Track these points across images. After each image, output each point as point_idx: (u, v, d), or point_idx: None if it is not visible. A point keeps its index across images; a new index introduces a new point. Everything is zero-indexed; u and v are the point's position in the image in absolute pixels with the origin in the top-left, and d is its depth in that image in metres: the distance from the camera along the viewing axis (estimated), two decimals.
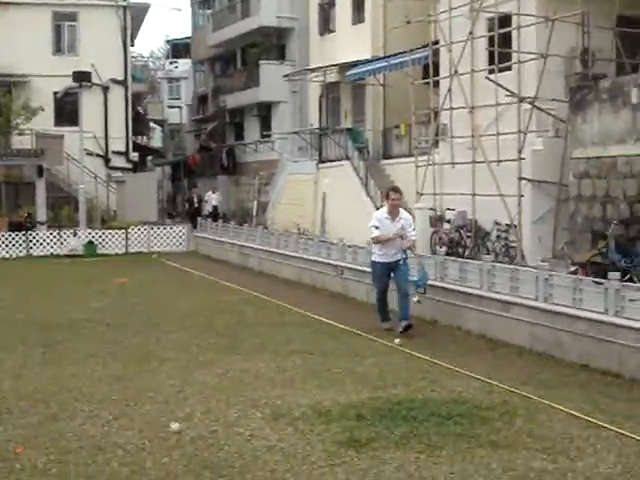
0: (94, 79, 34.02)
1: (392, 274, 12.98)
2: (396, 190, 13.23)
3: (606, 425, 7.74)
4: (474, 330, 12.82)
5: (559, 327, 11.13)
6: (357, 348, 11.71)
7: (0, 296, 17.85)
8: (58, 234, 28.73)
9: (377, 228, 12.84)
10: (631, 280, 14.20)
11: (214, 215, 33.95)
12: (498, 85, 19.68)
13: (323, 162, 29.43)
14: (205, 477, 6.38)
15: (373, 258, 13.30)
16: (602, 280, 11.12)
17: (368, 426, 7.62)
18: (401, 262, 12.79)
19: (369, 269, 16.58)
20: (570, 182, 18.20)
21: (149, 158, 48.34)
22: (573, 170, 18.09)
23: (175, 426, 7.54)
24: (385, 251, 12.87)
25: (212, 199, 36.00)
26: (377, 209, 18.63)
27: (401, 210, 13.06)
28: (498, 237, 20.12)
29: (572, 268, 15.53)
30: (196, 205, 36.60)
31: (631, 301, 10.38)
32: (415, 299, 12.87)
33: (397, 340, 11.97)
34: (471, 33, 20.99)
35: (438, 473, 6.44)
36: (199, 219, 32.22)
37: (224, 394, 8.87)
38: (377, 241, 12.91)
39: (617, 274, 10.85)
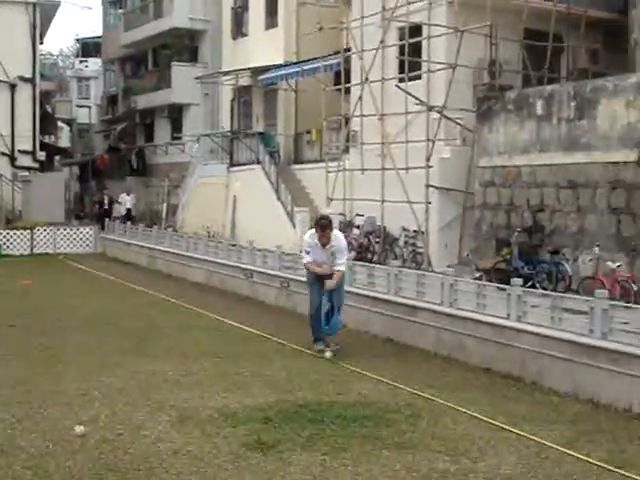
0: (1, 76, 33.24)
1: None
2: (323, 227, 11.43)
3: (508, 427, 7.96)
4: (382, 334, 12.99)
5: (463, 331, 11.37)
6: (265, 351, 11.74)
7: None
8: None
9: (308, 253, 11.66)
10: (533, 286, 14.61)
11: (127, 218, 33.41)
12: (408, 94, 19.97)
13: (234, 165, 29.35)
14: None
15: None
16: (505, 286, 11.40)
17: (275, 429, 7.68)
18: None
19: (279, 272, 16.72)
20: (476, 190, 18.60)
21: (57, 158, 47.36)
22: (479, 178, 18.50)
23: (79, 429, 7.45)
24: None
25: (126, 201, 35.42)
26: (303, 231, 18.53)
27: (335, 235, 11.64)
28: (406, 243, 20.42)
29: (477, 274, 15.89)
30: (106, 207, 35.89)
31: (533, 307, 10.68)
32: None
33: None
34: (382, 42, 21.27)
35: (344, 475, 6.52)
36: (107, 221, 31.82)
37: (130, 397, 8.79)
38: (307, 268, 11.81)
39: (520, 280, 11.13)
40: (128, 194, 35.90)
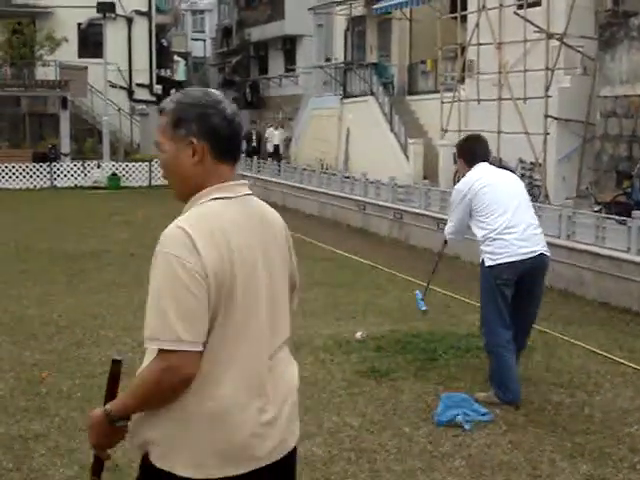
0: (118, 10, 33.77)
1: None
2: None
3: (624, 362, 7.80)
4: None
5: (581, 265, 11.14)
6: (378, 282, 11.79)
7: (25, 226, 18.03)
8: (82, 166, 28.87)
9: None
10: None
11: (275, 156, 29.94)
12: (527, 21, 19.36)
13: (347, 97, 29.21)
14: None
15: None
16: (626, 218, 11.08)
17: (388, 357, 7.72)
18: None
19: (392, 204, 16.61)
20: (597, 121, 18.01)
21: (173, 91, 48.14)
22: (600, 109, 17.88)
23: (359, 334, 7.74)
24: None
25: (274, 136, 32.01)
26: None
27: None
28: (522, 175, 19.94)
29: (596, 207, 15.47)
30: (254, 144, 32.54)
31: None
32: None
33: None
34: None
35: None
36: (255, 159, 28.18)
37: None
38: None
39: None
40: (276, 128, 32.45)
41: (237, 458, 2.54)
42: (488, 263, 6.43)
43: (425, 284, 8.51)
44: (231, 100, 2.73)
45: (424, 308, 8.08)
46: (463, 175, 6.81)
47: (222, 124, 2.60)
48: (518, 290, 6.52)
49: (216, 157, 2.61)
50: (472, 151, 6.85)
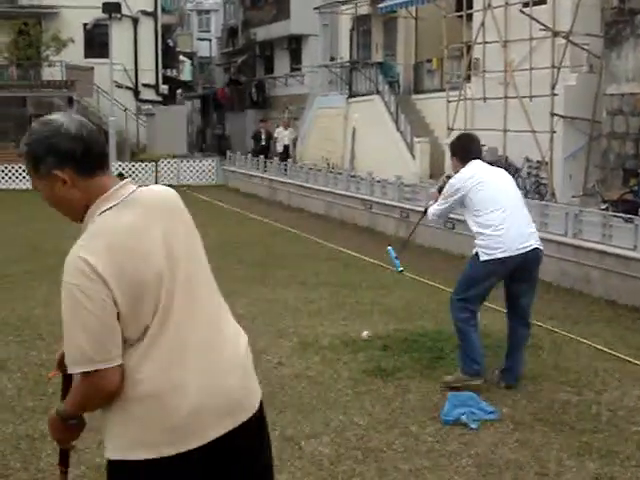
0: (124, 10, 33.79)
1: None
2: None
3: (632, 360, 7.78)
4: None
5: (588, 263, 11.12)
6: (384, 281, 11.77)
7: (31, 227, 18.04)
8: None
9: None
10: None
11: (285, 156, 28.61)
12: (532, 19, 19.32)
13: (353, 96, 29.20)
14: None
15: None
16: (632, 216, 11.06)
17: (394, 356, 7.72)
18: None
19: (398, 203, 16.62)
20: (603, 119, 17.96)
21: (179, 91, 48.20)
22: (607, 106, 17.83)
23: (365, 334, 7.72)
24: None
25: (284, 136, 30.06)
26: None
27: None
28: (529, 174, 19.96)
29: (603, 206, 15.43)
30: (263, 142, 30.64)
31: None
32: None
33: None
34: None
35: None
36: (262, 158, 27.16)
37: (252, 323, 8.98)
38: None
39: None
40: (286, 128, 30.58)
41: (185, 434, 2.66)
42: (483, 257, 6.63)
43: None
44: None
45: (400, 269, 8.16)
46: (457, 172, 6.96)
47: (73, 145, 2.67)
48: (513, 282, 6.86)
49: (85, 174, 2.70)
50: (465, 148, 7.05)
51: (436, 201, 7.20)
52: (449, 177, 7.32)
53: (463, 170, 6.84)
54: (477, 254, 6.70)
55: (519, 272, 6.73)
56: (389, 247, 8.46)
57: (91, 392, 2.66)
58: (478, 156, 7.00)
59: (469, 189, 6.70)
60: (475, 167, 6.84)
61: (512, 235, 6.57)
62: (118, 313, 2.59)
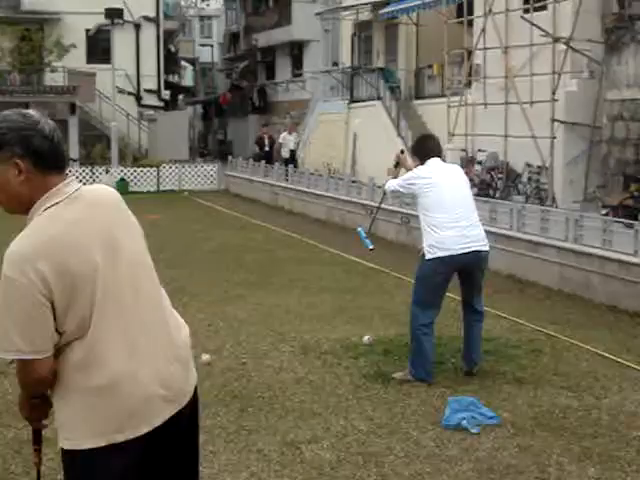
0: (126, 16, 33.84)
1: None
2: None
3: (633, 365, 7.79)
4: (503, 270, 12.83)
5: (588, 268, 11.13)
6: (386, 286, 11.80)
7: None
8: (90, 171, 28.92)
9: None
10: None
11: (291, 161, 27.89)
12: (533, 25, 19.37)
13: (354, 102, 29.24)
14: (234, 406, 6.53)
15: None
16: (633, 222, 11.08)
17: (395, 361, 7.74)
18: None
19: (399, 208, 16.65)
20: (603, 124, 18.00)
21: (180, 97, 48.28)
22: (607, 112, 17.87)
23: (205, 358, 7.68)
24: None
25: (289, 142, 29.47)
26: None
27: None
28: (529, 179, 20.00)
29: (603, 211, 15.45)
30: (267, 148, 30.43)
31: None
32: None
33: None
34: None
35: None
36: (263, 163, 26.92)
37: (254, 328, 9.01)
38: None
39: None
40: (290, 133, 30.05)
41: (137, 421, 2.81)
42: (427, 256, 7.00)
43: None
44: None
45: (371, 246, 8.24)
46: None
47: (43, 143, 2.79)
48: (461, 280, 7.31)
49: (42, 171, 2.80)
50: (423, 148, 7.40)
51: (394, 177, 7.56)
52: (402, 152, 7.80)
53: (421, 168, 7.24)
54: (423, 254, 7.06)
55: (463, 273, 7.16)
56: (359, 229, 8.60)
57: (22, 376, 2.85)
58: (437, 155, 7.32)
59: (420, 188, 7.09)
60: (431, 167, 7.17)
61: (453, 236, 6.88)
62: (54, 307, 2.69)
